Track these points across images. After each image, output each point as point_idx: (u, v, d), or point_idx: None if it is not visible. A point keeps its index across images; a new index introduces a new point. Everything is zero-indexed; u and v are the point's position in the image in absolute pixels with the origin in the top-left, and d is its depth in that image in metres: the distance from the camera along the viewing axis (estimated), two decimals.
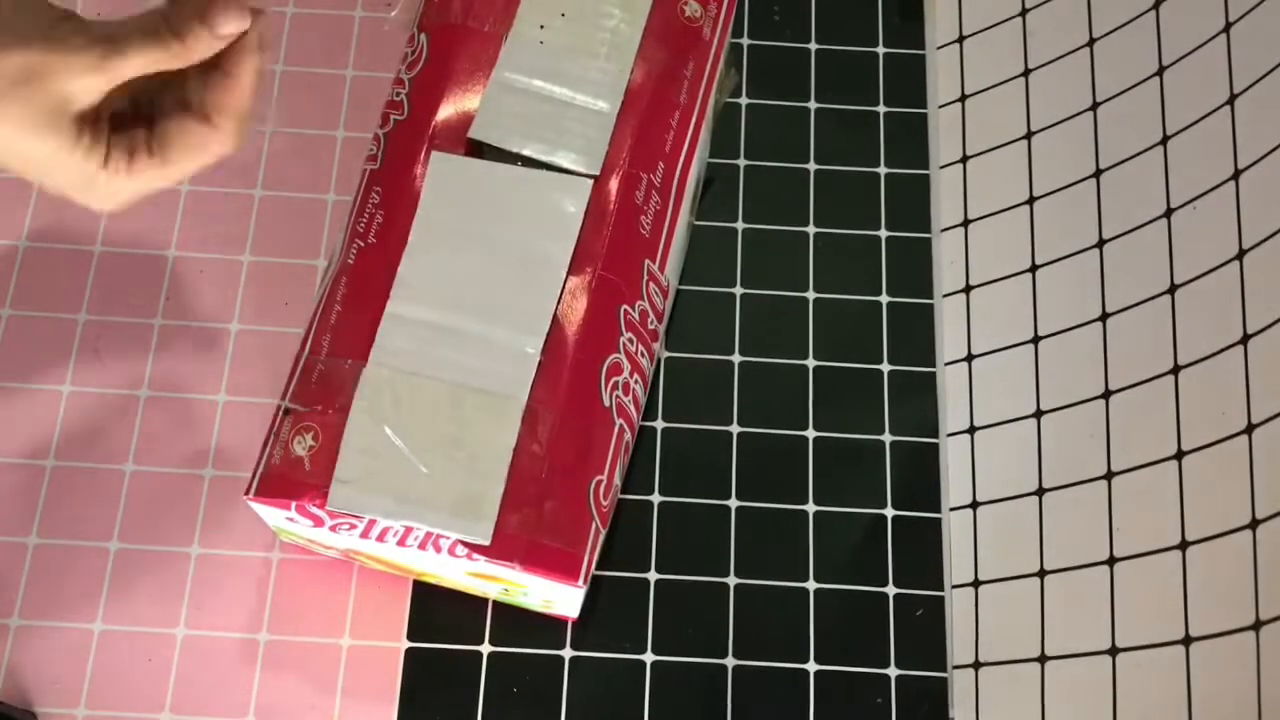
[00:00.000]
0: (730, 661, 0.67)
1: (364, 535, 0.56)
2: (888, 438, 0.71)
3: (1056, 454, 0.65)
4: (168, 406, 0.70)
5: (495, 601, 0.67)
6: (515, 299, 0.58)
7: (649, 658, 0.67)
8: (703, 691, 0.66)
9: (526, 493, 0.55)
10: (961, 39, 0.79)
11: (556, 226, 0.59)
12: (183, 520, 0.68)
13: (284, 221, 0.74)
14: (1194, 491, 0.56)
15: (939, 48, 0.80)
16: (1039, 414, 0.66)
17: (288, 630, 0.66)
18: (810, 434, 0.71)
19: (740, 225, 0.76)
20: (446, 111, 0.61)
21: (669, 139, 0.62)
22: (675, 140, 0.62)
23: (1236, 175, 0.59)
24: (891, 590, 0.68)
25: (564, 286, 0.58)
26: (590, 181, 0.60)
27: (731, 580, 0.68)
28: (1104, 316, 0.64)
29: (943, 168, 0.77)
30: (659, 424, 0.71)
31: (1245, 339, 0.56)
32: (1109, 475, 0.61)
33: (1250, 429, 0.54)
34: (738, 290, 0.74)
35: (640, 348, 0.61)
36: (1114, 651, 0.58)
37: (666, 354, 0.73)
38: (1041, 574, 0.63)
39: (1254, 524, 0.53)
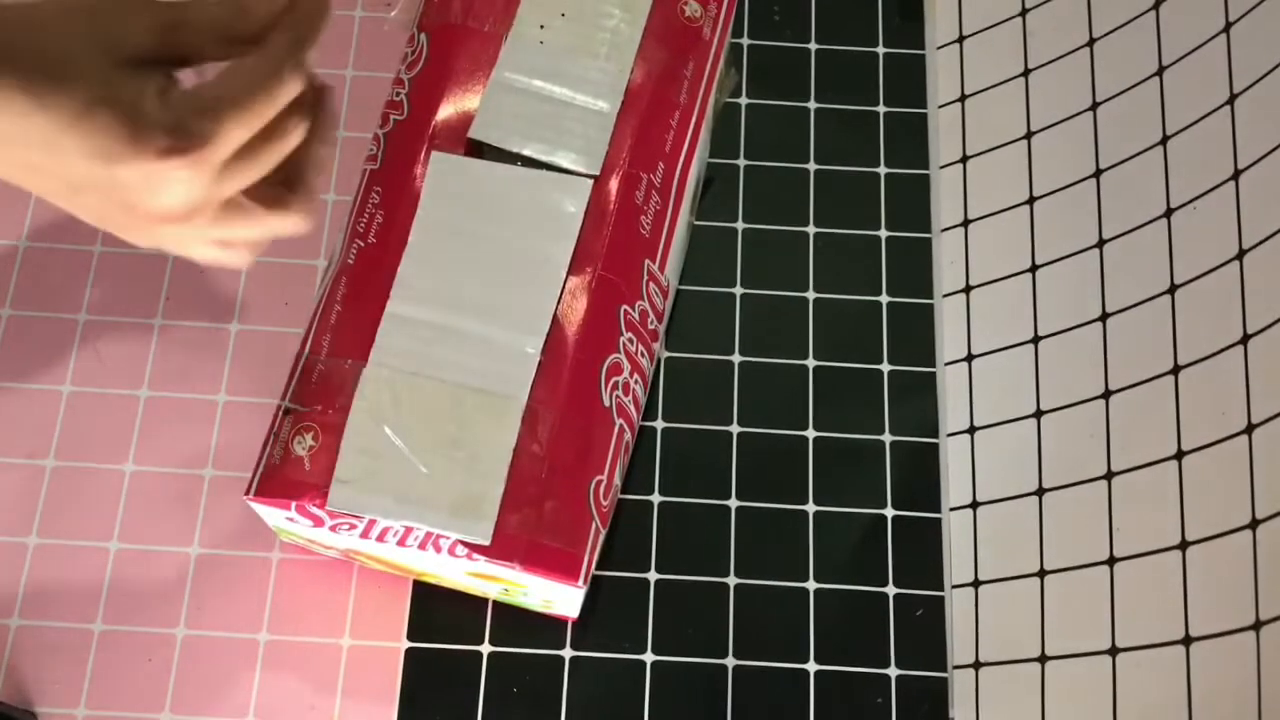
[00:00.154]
0: (730, 661, 0.67)
1: (364, 535, 0.56)
2: (888, 438, 0.71)
3: (1056, 454, 0.65)
4: (168, 406, 0.70)
5: (495, 601, 0.67)
6: (515, 299, 0.58)
7: (649, 658, 0.67)
8: (703, 691, 0.66)
9: (526, 493, 0.55)
10: (961, 39, 0.79)
11: (556, 226, 0.59)
12: (183, 520, 0.68)
13: None
14: (1194, 491, 0.56)
15: (939, 48, 0.80)
16: (1039, 414, 0.66)
17: (288, 630, 0.66)
18: (810, 434, 0.71)
19: (740, 225, 0.76)
20: (446, 111, 0.61)
21: (669, 139, 0.62)
22: (675, 140, 0.62)
23: (1236, 175, 0.59)
24: (891, 590, 0.68)
25: (564, 286, 0.58)
26: (590, 181, 0.60)
27: (731, 580, 0.68)
28: (1104, 316, 0.64)
29: (943, 168, 0.77)
30: (659, 424, 0.71)
31: (1245, 339, 0.56)
32: (1109, 475, 0.61)
33: (1250, 429, 0.54)
34: (738, 290, 0.74)
35: (640, 348, 0.61)
36: (1114, 651, 0.58)
37: (666, 354, 0.72)
38: (1041, 574, 0.63)
39: (1254, 524, 0.53)
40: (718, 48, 0.65)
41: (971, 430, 0.70)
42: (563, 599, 0.60)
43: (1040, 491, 0.65)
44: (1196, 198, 0.61)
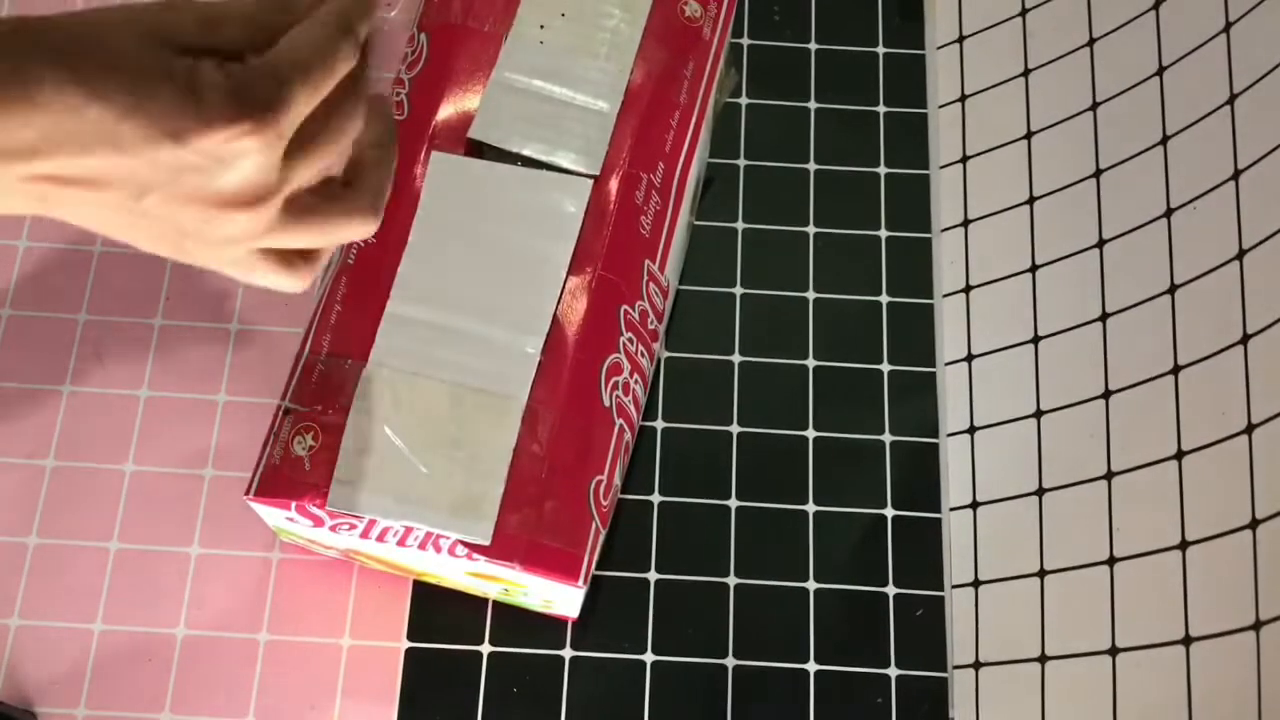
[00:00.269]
0: (730, 661, 0.67)
1: (364, 535, 0.56)
2: (888, 438, 0.71)
3: (1056, 454, 0.65)
4: (168, 406, 0.70)
5: (495, 601, 0.67)
6: (515, 299, 0.58)
7: (649, 658, 0.67)
8: (703, 691, 0.66)
9: (526, 493, 0.55)
10: (961, 39, 0.79)
11: (556, 226, 0.59)
12: (183, 520, 0.68)
13: None
14: (1194, 491, 0.56)
15: (939, 48, 0.80)
16: (1039, 414, 0.66)
17: (288, 630, 0.66)
18: (810, 434, 0.71)
19: (740, 225, 0.76)
20: (446, 111, 0.61)
21: (669, 139, 0.62)
22: (675, 140, 0.62)
23: (1236, 175, 0.59)
24: (891, 590, 0.68)
25: (564, 286, 0.58)
26: (590, 181, 0.60)
27: (731, 580, 0.68)
28: (1104, 316, 0.64)
29: (943, 168, 0.77)
30: (659, 424, 0.71)
31: (1245, 339, 0.56)
32: (1109, 475, 0.61)
33: (1250, 429, 0.54)
34: (738, 290, 0.74)
35: (640, 348, 0.61)
36: (1114, 651, 0.58)
37: (666, 354, 0.72)
38: (1041, 574, 0.63)
39: (1254, 524, 0.53)
40: (718, 48, 0.65)
41: (971, 430, 0.70)
42: (563, 599, 0.60)
43: (1040, 491, 0.65)
44: (1196, 198, 0.61)
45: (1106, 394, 0.63)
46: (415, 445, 0.55)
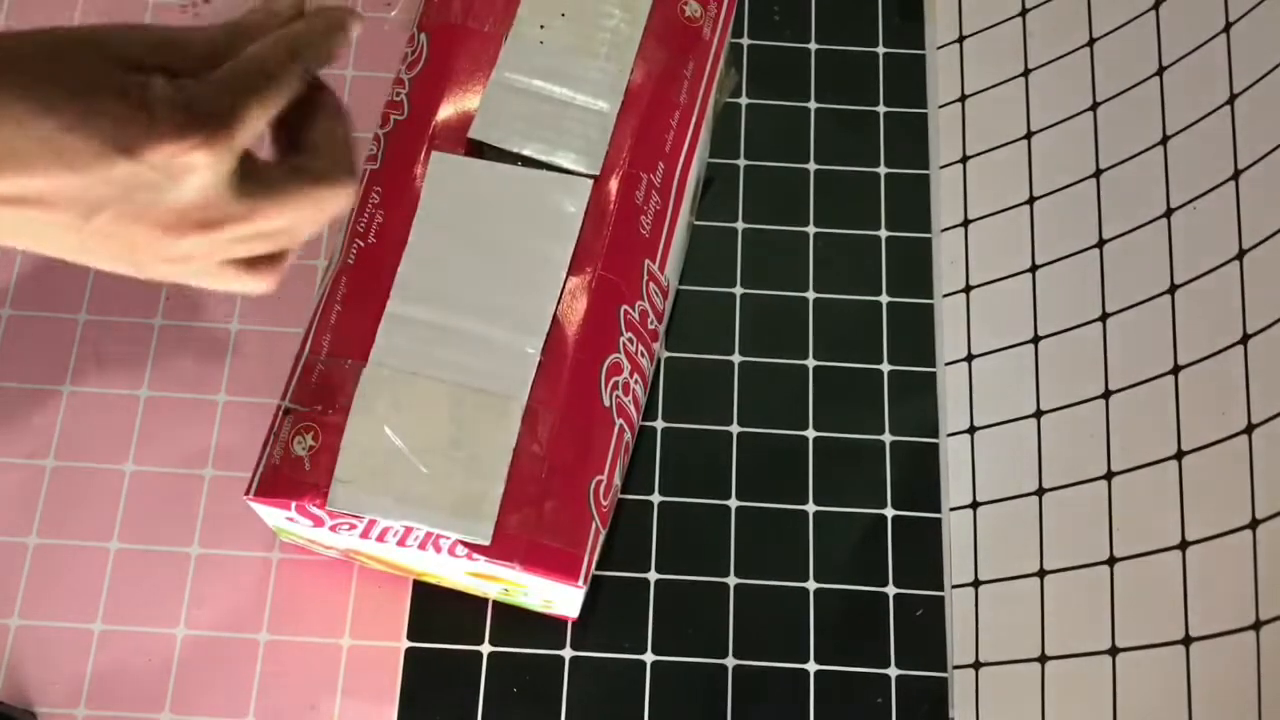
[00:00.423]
0: (730, 661, 0.67)
1: (364, 535, 0.56)
2: (888, 438, 0.71)
3: (1056, 454, 0.65)
4: (168, 406, 0.70)
5: (495, 601, 0.67)
6: (515, 299, 0.58)
7: (649, 658, 0.67)
8: (703, 691, 0.66)
9: (526, 493, 0.55)
10: (961, 39, 0.79)
11: (556, 226, 0.59)
12: (183, 520, 0.68)
13: None
14: (1194, 491, 0.56)
15: (939, 48, 0.80)
16: (1039, 414, 0.66)
17: (288, 630, 0.66)
18: (810, 434, 0.71)
19: (740, 225, 0.76)
20: (446, 111, 0.61)
21: (669, 139, 0.62)
22: (675, 140, 0.62)
23: (1236, 175, 0.59)
24: (891, 590, 0.68)
25: (564, 286, 0.58)
26: (590, 181, 0.60)
27: (731, 580, 0.68)
28: (1104, 316, 0.64)
29: (943, 168, 0.77)
30: (659, 424, 0.71)
31: (1245, 339, 0.56)
32: (1109, 475, 0.61)
33: (1250, 429, 0.54)
34: (738, 290, 0.74)
35: (640, 348, 0.61)
36: (1114, 651, 0.58)
37: (666, 354, 0.72)
38: (1041, 574, 0.63)
39: (1254, 524, 0.53)
40: (718, 48, 0.65)
41: (971, 430, 0.70)
42: (563, 599, 0.60)
43: (1040, 491, 0.65)
44: (1196, 198, 0.61)
45: (1106, 394, 0.63)
46: (415, 445, 0.55)
